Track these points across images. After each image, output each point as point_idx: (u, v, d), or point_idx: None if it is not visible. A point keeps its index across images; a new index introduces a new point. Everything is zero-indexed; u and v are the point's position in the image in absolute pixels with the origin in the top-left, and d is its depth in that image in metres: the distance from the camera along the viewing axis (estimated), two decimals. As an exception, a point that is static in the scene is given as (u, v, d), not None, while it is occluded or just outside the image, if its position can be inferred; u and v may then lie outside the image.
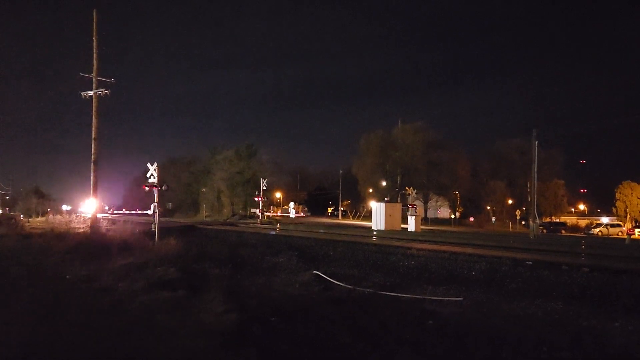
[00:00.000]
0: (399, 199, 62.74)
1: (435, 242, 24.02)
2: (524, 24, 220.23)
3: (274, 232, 31.18)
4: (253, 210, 63.06)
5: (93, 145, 24.11)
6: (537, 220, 40.73)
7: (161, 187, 20.88)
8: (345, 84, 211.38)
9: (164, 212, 41.17)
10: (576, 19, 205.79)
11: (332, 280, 11.57)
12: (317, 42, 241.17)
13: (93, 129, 24.18)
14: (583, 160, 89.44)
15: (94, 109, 24.21)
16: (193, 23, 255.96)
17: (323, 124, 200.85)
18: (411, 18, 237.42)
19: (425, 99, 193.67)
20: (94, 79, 24.19)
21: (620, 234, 52.81)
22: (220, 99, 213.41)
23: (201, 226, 39.71)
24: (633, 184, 68.36)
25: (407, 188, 51.52)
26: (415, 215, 41.81)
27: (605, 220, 63.66)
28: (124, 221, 39.63)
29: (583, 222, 68.76)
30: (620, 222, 62.46)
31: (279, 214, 75.75)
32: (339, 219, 74.57)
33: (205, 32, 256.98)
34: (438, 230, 47.04)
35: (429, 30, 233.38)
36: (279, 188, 77.16)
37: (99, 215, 28.13)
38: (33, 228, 29.10)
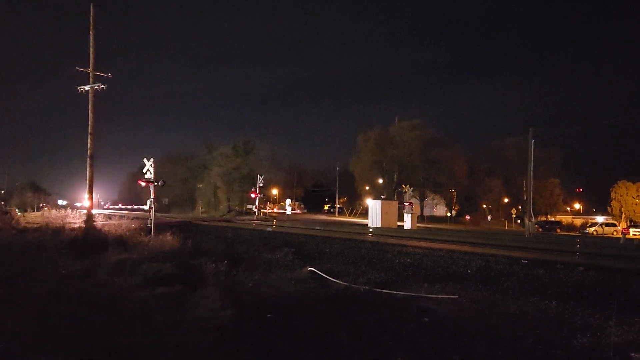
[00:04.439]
0: (395, 196, 62.81)
1: (431, 240, 24.10)
2: (524, 24, 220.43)
3: (270, 229, 31.18)
4: (249, 206, 63.00)
5: (89, 140, 23.99)
6: (533, 219, 40.87)
7: (157, 183, 20.82)
8: (345, 82, 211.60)
9: (160, 208, 41.12)
10: (576, 19, 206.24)
11: (328, 277, 11.57)
12: (317, 40, 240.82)
13: (89, 123, 24.05)
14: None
15: (90, 103, 24.09)
16: (192, 20, 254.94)
17: (321, 121, 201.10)
18: (411, 17, 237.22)
19: (423, 97, 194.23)
20: (90, 74, 24.05)
21: (615, 233, 53.09)
22: (219, 96, 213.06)
23: (197, 222, 39.68)
24: (628, 183, 68.69)
25: (403, 185, 51.69)
26: (411, 213, 41.90)
27: (600, 219, 63.98)
28: (120, 216, 39.58)
29: (578, 221, 69.14)
30: (615, 222, 62.81)
31: (275, 210, 75.71)
32: (335, 216, 74.60)
33: (204, 29, 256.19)
34: (434, 228, 47.15)
35: (429, 30, 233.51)
36: (275, 184, 77.11)
37: (95, 211, 28.03)
38: (28, 223, 28.95)
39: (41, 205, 63.86)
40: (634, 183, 68.52)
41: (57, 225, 24.10)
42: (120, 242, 16.81)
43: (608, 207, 71.02)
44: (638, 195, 68.14)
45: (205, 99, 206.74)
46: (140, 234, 19.55)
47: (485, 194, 69.76)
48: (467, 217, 71.36)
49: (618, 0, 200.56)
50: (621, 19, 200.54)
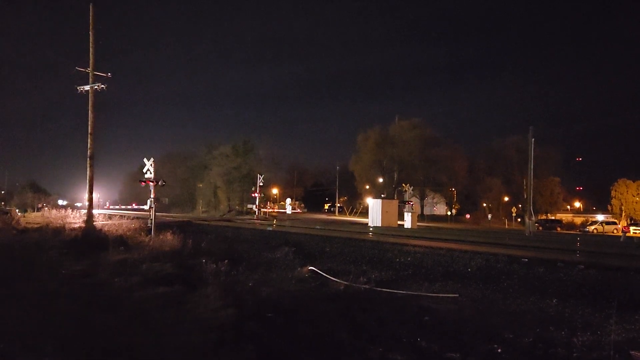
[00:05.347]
0: (395, 195, 62.80)
1: (432, 239, 24.10)
2: (524, 24, 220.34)
3: (270, 228, 31.19)
4: (249, 206, 63.00)
5: (89, 140, 23.99)
6: (533, 218, 40.88)
7: (157, 183, 20.82)
8: (345, 81, 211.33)
9: (160, 208, 41.05)
10: (576, 19, 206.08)
11: (328, 276, 11.58)
12: (317, 40, 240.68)
13: (89, 123, 24.05)
14: (579, 158, 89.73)
15: (90, 103, 24.08)
16: (192, 20, 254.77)
17: (321, 121, 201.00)
18: (411, 16, 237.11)
19: (423, 97, 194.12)
20: (90, 74, 24.05)
21: (615, 231, 53.03)
22: (219, 96, 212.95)
23: (198, 222, 39.69)
24: (628, 181, 68.65)
25: (403, 185, 51.65)
26: (411, 212, 41.92)
27: (600, 217, 63.95)
28: (121, 216, 39.56)
29: (578, 220, 69.06)
30: (615, 220, 62.76)
31: (275, 210, 75.66)
32: (335, 216, 74.58)
33: (204, 29, 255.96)
34: (434, 227, 47.14)
35: (429, 30, 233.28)
36: (275, 184, 77.07)
37: (95, 211, 28.03)
38: (29, 223, 28.98)
39: (41, 205, 63.81)
40: (634, 181, 68.49)
41: (58, 225, 24.13)
42: (120, 242, 16.83)
43: (608, 206, 70.98)
44: (638, 194, 68.12)
45: (205, 98, 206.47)
46: (141, 234, 19.57)
47: (485, 193, 69.72)
48: (468, 216, 71.33)
49: (618, 0, 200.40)
50: (621, 19, 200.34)
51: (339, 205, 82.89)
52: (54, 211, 40.22)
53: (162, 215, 48.26)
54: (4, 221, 27.28)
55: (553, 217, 69.05)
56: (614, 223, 58.72)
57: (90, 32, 24.11)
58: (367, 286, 10.45)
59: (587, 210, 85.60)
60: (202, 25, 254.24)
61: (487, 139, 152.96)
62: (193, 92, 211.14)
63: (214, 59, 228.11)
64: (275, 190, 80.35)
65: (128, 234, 19.88)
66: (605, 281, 11.57)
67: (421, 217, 63.22)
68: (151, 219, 20.65)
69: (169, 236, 17.97)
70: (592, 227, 55.71)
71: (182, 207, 74.91)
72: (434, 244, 20.33)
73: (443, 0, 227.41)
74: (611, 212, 69.12)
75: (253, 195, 52.85)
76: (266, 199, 73.16)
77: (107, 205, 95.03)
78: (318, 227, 35.83)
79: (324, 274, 11.78)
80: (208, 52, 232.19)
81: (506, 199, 70.24)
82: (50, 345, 6.00)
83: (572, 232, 55.11)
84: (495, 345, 6.28)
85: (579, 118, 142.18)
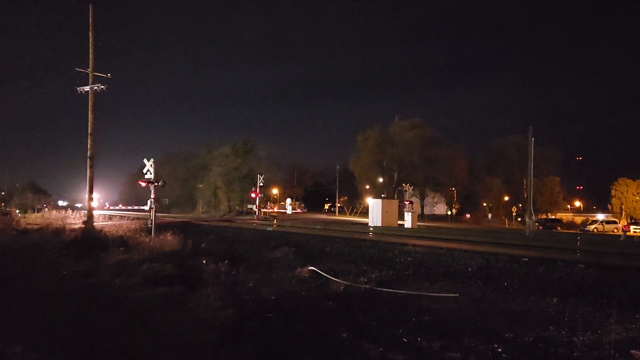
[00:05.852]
0: (395, 195, 62.79)
1: (432, 239, 24.11)
2: (524, 24, 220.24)
3: (270, 228, 31.21)
4: (250, 206, 63.04)
5: (89, 141, 23.99)
6: (533, 217, 40.89)
7: (157, 183, 20.81)
8: (345, 81, 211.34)
9: (160, 208, 41.02)
10: (576, 19, 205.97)
11: (328, 276, 11.57)
12: (317, 39, 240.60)
13: (89, 124, 24.05)
14: (579, 157, 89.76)
15: (90, 104, 24.08)
16: (192, 20, 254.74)
17: (321, 121, 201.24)
18: (411, 16, 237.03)
19: (423, 97, 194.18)
20: (90, 74, 24.05)
21: (615, 230, 53.01)
22: (219, 96, 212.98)
23: (198, 222, 39.69)
24: (628, 180, 68.66)
25: (403, 184, 51.67)
26: (411, 212, 41.94)
27: (600, 217, 63.92)
28: (121, 217, 39.60)
29: (579, 219, 69.06)
30: (615, 219, 62.74)
31: (275, 210, 75.66)
32: (335, 215, 74.56)
33: (204, 29, 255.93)
34: (434, 226, 47.13)
35: (429, 30, 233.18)
36: (275, 184, 77.08)
37: (95, 212, 28.02)
38: (29, 224, 28.96)
39: (41, 206, 63.81)
40: (634, 180, 68.51)
41: (58, 226, 24.09)
42: (120, 242, 16.79)
43: (608, 205, 70.99)
44: (638, 193, 68.12)
45: (205, 99, 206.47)
46: (141, 235, 19.54)
47: (485, 193, 69.72)
48: (468, 216, 71.32)
49: (618, 0, 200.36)
50: (621, 19, 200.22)
51: (339, 205, 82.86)
52: (54, 212, 40.24)
53: (162, 216, 48.26)
54: (4, 222, 27.24)
55: (553, 217, 69.05)
56: (614, 222, 58.70)
57: (90, 33, 24.11)
58: (368, 286, 10.44)
59: (587, 209, 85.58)
60: (202, 25, 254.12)
61: (487, 139, 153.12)
62: (193, 92, 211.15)
63: (214, 59, 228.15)
64: (275, 191, 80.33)
65: (128, 234, 19.85)
66: (605, 280, 11.57)
67: (421, 217, 63.19)
68: (151, 220, 20.63)
69: (169, 237, 17.95)
70: (592, 227, 55.70)
71: (182, 207, 74.90)
72: (434, 244, 20.33)
73: (443, 0, 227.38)
74: (611, 211, 69.12)
75: (253, 195, 52.83)
76: (266, 199, 73.17)
77: (107, 205, 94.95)
78: (318, 227, 35.83)
79: (324, 274, 11.78)
80: (208, 52, 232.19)
81: (506, 198, 70.23)
82: (50, 345, 6.00)
83: (572, 231, 55.10)
84: (496, 345, 6.27)
85: (579, 118, 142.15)
